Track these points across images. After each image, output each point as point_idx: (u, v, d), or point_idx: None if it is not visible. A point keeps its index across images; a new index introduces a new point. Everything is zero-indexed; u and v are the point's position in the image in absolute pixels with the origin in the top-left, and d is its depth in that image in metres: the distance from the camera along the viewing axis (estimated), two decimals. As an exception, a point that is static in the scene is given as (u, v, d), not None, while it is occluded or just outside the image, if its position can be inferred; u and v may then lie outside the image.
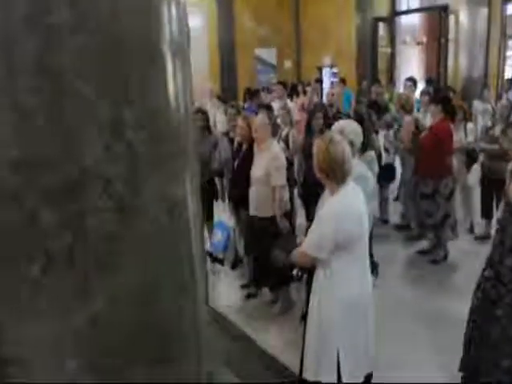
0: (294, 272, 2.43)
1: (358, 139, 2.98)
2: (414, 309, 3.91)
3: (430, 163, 4.56)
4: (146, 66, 1.01)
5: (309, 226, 4.76)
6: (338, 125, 3.08)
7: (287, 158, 4.75)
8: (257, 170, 3.68)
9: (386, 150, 5.40)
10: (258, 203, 3.69)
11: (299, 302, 3.74)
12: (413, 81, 7.01)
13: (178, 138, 1.10)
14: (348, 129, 2.93)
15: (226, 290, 4.53)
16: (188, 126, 1.16)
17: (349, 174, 2.18)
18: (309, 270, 2.32)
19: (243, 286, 4.47)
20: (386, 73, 12.20)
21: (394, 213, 5.99)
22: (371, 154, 3.90)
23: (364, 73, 11.87)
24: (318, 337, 2.19)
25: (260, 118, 3.73)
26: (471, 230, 5.59)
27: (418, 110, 6.07)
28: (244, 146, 4.13)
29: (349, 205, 2.19)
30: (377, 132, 4.73)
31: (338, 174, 2.15)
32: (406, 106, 5.26)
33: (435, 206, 4.62)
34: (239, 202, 4.02)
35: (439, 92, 5.43)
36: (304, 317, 2.39)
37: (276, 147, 3.76)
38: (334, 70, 13.33)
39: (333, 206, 2.18)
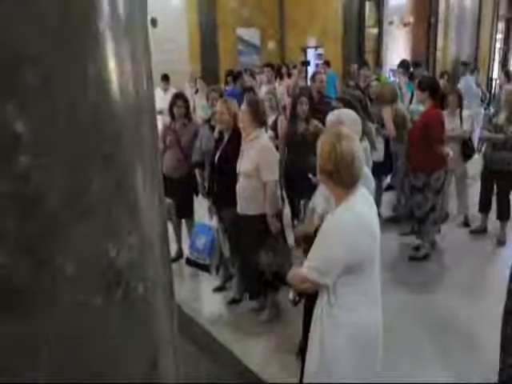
0: (291, 296, 2.04)
1: (359, 130, 2.57)
2: (408, 308, 3.64)
3: (420, 155, 4.24)
4: (61, 46, 0.59)
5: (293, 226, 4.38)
6: (334, 115, 2.62)
7: (276, 148, 4.35)
8: (244, 164, 3.27)
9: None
10: (246, 200, 3.30)
11: (291, 309, 3.39)
12: (405, 65, 6.65)
13: (120, 155, 0.68)
14: (347, 118, 2.48)
15: (206, 296, 4.14)
16: (142, 133, 0.75)
17: (360, 177, 1.79)
18: (307, 294, 1.94)
19: (216, 290, 4.12)
20: (373, 54, 11.80)
21: (386, 205, 5.68)
22: (365, 144, 3.52)
23: (350, 54, 11.45)
24: (320, 374, 1.82)
25: (245, 106, 3.29)
26: (466, 223, 5.30)
27: (412, 94, 5.70)
28: (226, 135, 3.69)
29: (361, 216, 1.80)
30: (372, 121, 4.30)
31: (346, 177, 1.76)
32: (385, 97, 4.96)
33: (425, 199, 4.34)
34: (221, 199, 3.60)
35: (426, 78, 5.04)
36: (302, 350, 2.01)
37: (266, 138, 3.35)
38: (320, 51, 12.87)
39: (341, 218, 1.77)
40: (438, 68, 10.55)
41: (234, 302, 3.86)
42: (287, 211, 4.64)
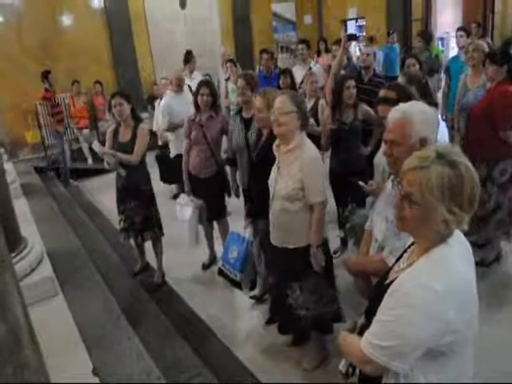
0: (342, 367, 1.51)
1: (436, 130, 1.87)
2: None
3: (482, 141, 3.51)
4: None
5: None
6: (399, 111, 1.85)
7: (317, 138, 3.73)
8: (285, 184, 2.54)
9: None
10: (287, 231, 2.62)
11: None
12: (464, 30, 5.79)
13: None
14: (418, 118, 1.77)
15: (240, 311, 3.65)
16: None
17: (467, 219, 1.24)
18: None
19: (252, 298, 3.64)
20: (421, 23, 10.74)
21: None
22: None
23: (395, 24, 10.44)
24: None
25: (282, 102, 2.50)
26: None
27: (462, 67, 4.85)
28: (265, 133, 3.13)
29: (458, 283, 1.22)
30: (435, 104, 3.57)
31: (455, 218, 1.21)
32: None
33: (486, 195, 3.58)
34: (258, 208, 3.05)
35: (503, 49, 4.13)
36: None
37: (309, 145, 2.59)
38: (361, 22, 11.91)
39: (430, 285, 1.19)
40: (495, 34, 9.43)
41: (271, 321, 3.37)
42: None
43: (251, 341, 3.25)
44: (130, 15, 9.51)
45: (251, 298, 3.65)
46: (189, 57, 6.69)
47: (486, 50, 4.06)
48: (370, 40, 8.99)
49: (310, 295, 2.51)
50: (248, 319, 3.53)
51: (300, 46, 6.33)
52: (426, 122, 1.80)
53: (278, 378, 2.82)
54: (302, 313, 2.56)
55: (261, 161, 3.03)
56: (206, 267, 4.30)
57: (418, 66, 4.34)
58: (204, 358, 2.91)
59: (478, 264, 2.73)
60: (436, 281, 1.19)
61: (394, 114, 1.84)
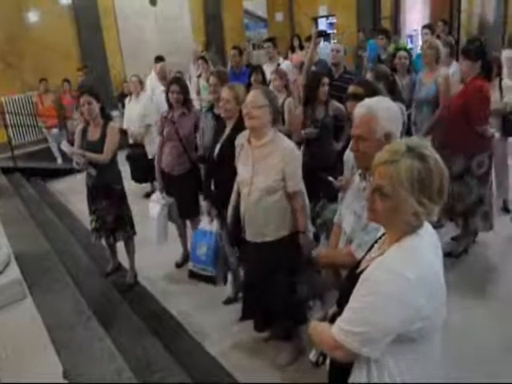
0: (312, 356, 1.53)
1: (399, 124, 1.88)
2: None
3: (457, 135, 3.61)
4: None
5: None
6: (363, 107, 1.86)
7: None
8: (265, 176, 2.51)
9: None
10: (265, 225, 2.59)
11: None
12: (430, 28, 5.92)
13: None
14: (383, 113, 1.79)
15: (215, 309, 3.61)
16: None
17: (437, 210, 1.27)
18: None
19: (227, 302, 3.63)
20: (390, 20, 10.92)
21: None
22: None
23: (364, 21, 10.59)
24: None
25: (254, 96, 2.51)
26: (505, 208, 4.70)
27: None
28: (229, 125, 3.15)
29: (428, 272, 1.25)
30: (402, 101, 3.64)
31: (424, 209, 1.24)
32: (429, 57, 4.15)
33: (466, 189, 3.70)
34: (223, 198, 3.06)
35: (475, 44, 4.19)
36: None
37: (285, 139, 2.61)
38: (331, 20, 12.02)
39: (399, 274, 1.21)
40: (461, 33, 9.65)
41: (245, 317, 3.37)
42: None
43: (224, 336, 3.25)
44: (99, 10, 9.30)
45: (225, 302, 3.64)
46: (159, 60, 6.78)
47: (441, 47, 4.21)
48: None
49: (307, 284, 2.52)
50: (221, 315, 3.51)
51: (266, 45, 6.33)
52: (390, 118, 1.83)
53: (251, 373, 2.83)
54: (301, 303, 2.56)
55: (225, 152, 3.01)
56: (179, 265, 4.27)
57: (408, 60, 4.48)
58: (175, 355, 2.90)
59: (447, 255, 2.80)
60: (407, 269, 1.22)
61: (360, 109, 1.87)
